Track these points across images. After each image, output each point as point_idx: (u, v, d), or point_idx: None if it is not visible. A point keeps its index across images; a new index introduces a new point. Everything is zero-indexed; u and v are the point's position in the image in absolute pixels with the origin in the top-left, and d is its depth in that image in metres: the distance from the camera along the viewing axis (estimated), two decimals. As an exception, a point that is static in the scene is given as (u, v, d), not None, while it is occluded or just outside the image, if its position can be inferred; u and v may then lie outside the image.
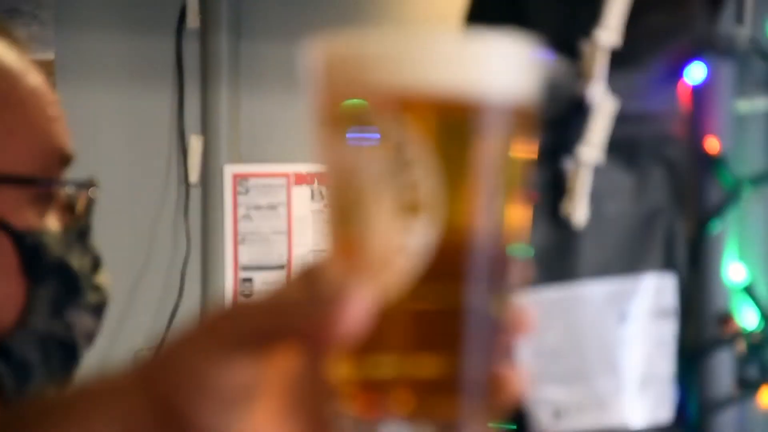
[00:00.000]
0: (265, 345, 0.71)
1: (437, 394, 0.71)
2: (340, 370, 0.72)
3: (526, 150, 0.72)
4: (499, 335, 0.71)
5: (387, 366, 0.71)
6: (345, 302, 0.68)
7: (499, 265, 0.71)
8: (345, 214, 0.71)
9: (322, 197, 0.72)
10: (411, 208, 0.68)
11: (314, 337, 0.69)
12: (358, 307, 0.68)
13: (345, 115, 0.69)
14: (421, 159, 0.68)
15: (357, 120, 0.69)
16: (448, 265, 0.69)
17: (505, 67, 0.69)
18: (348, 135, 0.69)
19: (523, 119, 0.71)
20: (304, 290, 0.72)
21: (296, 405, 0.78)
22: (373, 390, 0.72)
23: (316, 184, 0.70)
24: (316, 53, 0.70)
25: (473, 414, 0.71)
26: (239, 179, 3.52)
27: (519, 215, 0.72)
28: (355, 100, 0.68)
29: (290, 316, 0.70)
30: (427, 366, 0.71)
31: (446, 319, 0.70)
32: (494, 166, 0.69)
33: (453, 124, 0.69)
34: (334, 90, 0.69)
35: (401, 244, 0.69)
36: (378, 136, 0.68)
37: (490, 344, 0.71)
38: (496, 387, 0.72)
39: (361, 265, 0.70)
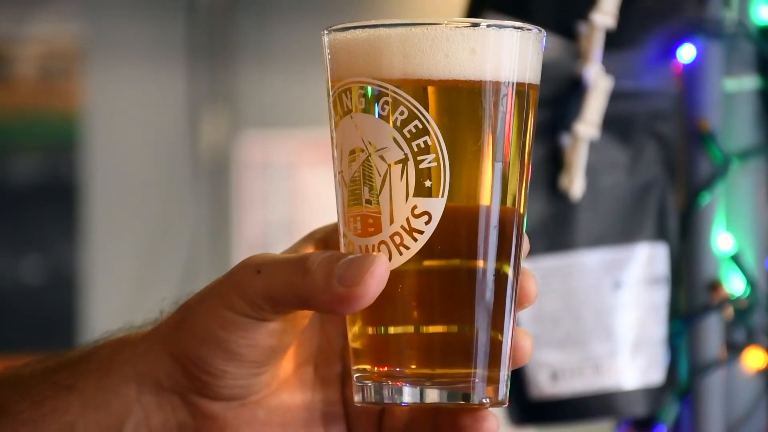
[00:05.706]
0: (284, 311, 0.73)
1: (451, 357, 0.73)
2: (356, 331, 0.74)
3: (531, 126, 0.76)
4: (512, 302, 0.75)
5: (402, 329, 0.73)
6: (364, 278, 0.70)
7: (510, 234, 0.74)
8: (360, 186, 0.73)
9: (337, 170, 0.75)
10: (426, 178, 0.71)
11: (332, 310, 0.71)
12: (377, 281, 0.70)
13: (361, 93, 0.72)
14: (436, 134, 0.71)
15: (373, 98, 0.72)
16: (463, 232, 0.72)
17: (511, 50, 0.73)
18: (364, 111, 0.72)
19: (527, 97, 0.74)
20: (322, 260, 0.72)
21: (310, 363, 0.80)
22: (389, 351, 0.73)
23: (332, 156, 0.72)
24: (334, 38, 0.73)
25: (485, 377, 0.73)
26: (252, 151, 3.55)
27: (525, 188, 0.75)
28: (372, 79, 0.72)
29: (309, 290, 0.71)
30: (442, 330, 0.73)
31: (461, 285, 0.73)
32: (504, 141, 0.73)
33: (465, 102, 0.72)
34: (350, 70, 0.72)
35: (416, 214, 0.72)
36: (395, 112, 0.71)
37: (503, 310, 0.74)
38: (507, 351, 0.74)
39: (377, 235, 0.72)
